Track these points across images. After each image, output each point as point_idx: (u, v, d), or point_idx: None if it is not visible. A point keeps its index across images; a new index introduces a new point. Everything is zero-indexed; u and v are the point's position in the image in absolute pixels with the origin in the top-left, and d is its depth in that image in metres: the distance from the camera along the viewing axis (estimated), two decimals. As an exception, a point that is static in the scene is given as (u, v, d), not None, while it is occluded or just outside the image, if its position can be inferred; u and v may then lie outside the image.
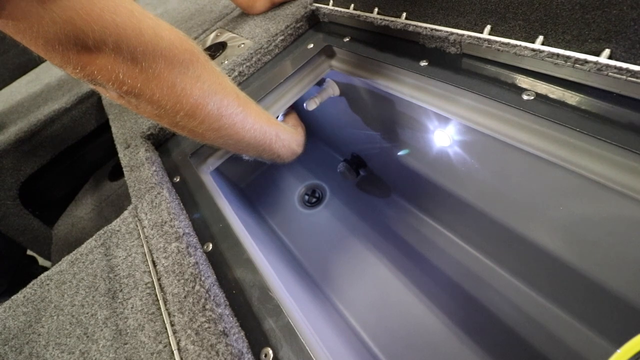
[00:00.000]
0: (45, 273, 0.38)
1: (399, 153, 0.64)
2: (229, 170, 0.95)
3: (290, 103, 0.54)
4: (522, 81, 0.32)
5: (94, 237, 0.39)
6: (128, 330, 0.29)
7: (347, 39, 0.51)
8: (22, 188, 0.76)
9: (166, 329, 0.27)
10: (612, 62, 0.26)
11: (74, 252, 0.38)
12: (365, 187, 0.83)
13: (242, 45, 0.59)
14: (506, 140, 0.33)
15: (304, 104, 0.60)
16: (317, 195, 0.86)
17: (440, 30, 0.38)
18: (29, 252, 0.92)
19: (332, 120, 0.84)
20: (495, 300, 0.56)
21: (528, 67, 0.32)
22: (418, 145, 0.57)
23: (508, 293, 0.56)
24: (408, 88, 0.43)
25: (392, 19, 0.43)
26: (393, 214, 0.75)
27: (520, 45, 0.31)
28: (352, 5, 0.50)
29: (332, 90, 0.64)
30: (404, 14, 0.43)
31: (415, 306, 0.61)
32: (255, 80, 0.55)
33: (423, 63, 0.40)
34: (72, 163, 0.85)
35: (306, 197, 0.87)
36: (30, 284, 0.37)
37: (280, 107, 0.53)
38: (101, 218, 0.74)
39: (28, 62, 1.08)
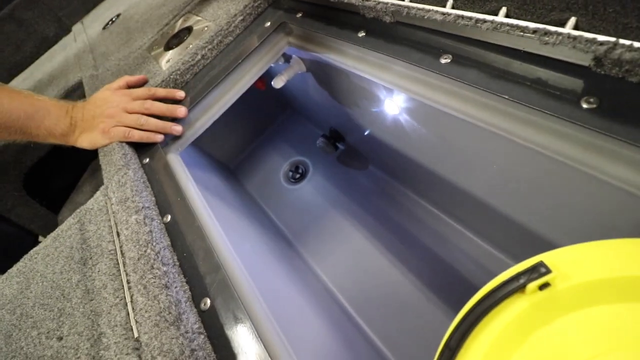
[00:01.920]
0: (35, 248, 0.43)
1: (365, 133, 0.66)
2: (218, 152, 0.99)
3: (252, 82, 0.56)
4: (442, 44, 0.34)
5: (72, 215, 0.43)
6: (94, 289, 0.33)
7: (300, 15, 0.52)
8: (26, 180, 0.83)
9: (123, 286, 0.32)
10: (507, 20, 0.27)
11: (56, 230, 0.43)
12: (345, 160, 0.85)
13: (206, 29, 0.60)
14: (427, 102, 0.35)
15: (272, 82, 0.62)
16: (300, 171, 0.89)
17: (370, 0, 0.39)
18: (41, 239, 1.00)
19: (311, 97, 0.85)
20: (461, 259, 0.59)
21: (447, 31, 0.33)
22: (379, 116, 0.58)
23: (472, 252, 0.58)
24: (351, 60, 0.44)
25: (333, -9, 0.44)
26: (370, 185, 0.77)
27: (432, 10, 0.32)
28: (302, -20, 0.51)
29: (299, 66, 0.65)
30: (343, -15, 0.43)
31: (388, 269, 0.65)
32: (219, 63, 0.57)
33: (361, 34, 0.41)
34: (70, 153, 0.90)
35: (290, 173, 0.90)
36: (22, 258, 0.43)
37: (241, 86, 0.55)
38: (98, 203, 0.80)
39: (23, 60, 1.12)
